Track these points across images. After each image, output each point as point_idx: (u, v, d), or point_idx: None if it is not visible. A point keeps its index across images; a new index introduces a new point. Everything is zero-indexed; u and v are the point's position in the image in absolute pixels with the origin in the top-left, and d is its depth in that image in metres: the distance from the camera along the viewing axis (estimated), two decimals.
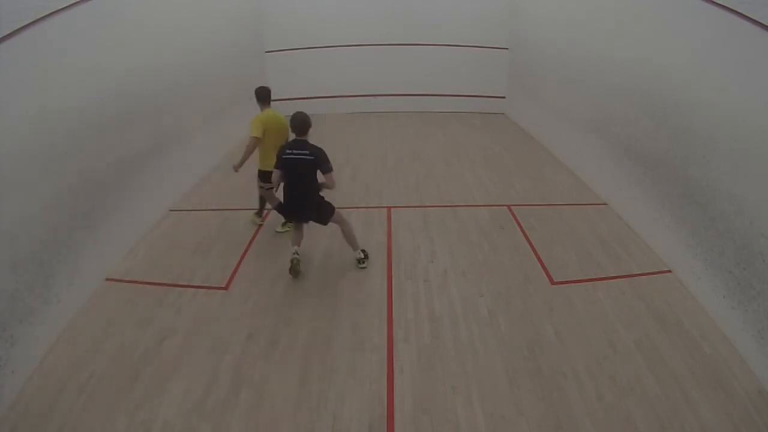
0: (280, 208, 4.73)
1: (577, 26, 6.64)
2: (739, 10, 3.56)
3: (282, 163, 4.26)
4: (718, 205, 3.81)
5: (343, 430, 2.95)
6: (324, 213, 4.47)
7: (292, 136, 4.36)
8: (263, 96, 5.13)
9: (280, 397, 3.17)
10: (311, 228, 5.38)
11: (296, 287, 4.34)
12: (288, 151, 4.23)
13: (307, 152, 4.19)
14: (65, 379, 3.32)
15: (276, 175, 4.35)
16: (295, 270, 4.37)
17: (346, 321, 3.89)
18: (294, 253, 4.41)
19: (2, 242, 3.24)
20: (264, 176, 5.03)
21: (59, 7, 3.87)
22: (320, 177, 4.32)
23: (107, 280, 4.44)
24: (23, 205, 3.45)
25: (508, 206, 5.83)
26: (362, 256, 4.63)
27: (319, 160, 4.19)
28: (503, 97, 10.18)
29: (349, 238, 4.62)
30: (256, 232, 5.34)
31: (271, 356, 3.54)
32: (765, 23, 3.34)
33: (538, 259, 4.71)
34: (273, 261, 4.75)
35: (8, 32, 3.36)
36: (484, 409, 3.06)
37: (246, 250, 4.95)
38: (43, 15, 3.69)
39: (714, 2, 3.82)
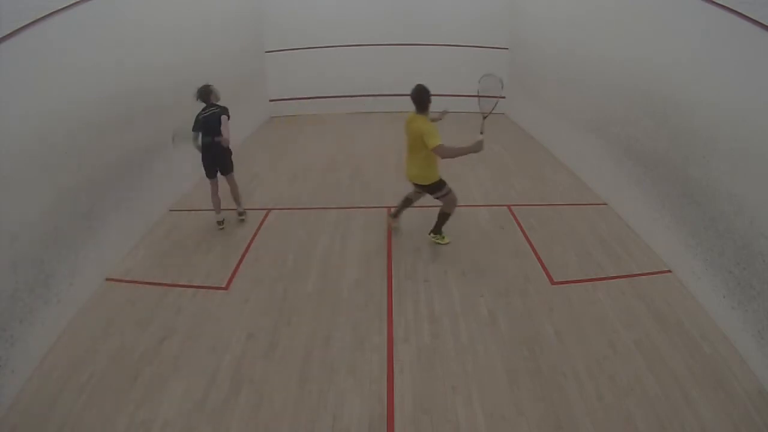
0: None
1: (577, 26, 6.64)
2: (739, 10, 3.56)
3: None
4: (718, 205, 3.81)
5: (343, 430, 2.95)
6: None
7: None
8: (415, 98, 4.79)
9: (280, 397, 3.18)
10: (312, 227, 5.39)
11: (296, 287, 4.34)
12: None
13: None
14: (65, 379, 3.32)
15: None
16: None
17: (346, 321, 3.89)
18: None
19: (2, 242, 3.24)
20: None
21: (59, 7, 3.88)
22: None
23: (107, 280, 4.45)
24: (23, 205, 3.45)
25: (508, 206, 5.83)
26: (243, 210, 5.60)
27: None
28: (503, 97, 10.16)
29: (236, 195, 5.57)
30: (256, 232, 5.34)
31: (271, 356, 3.54)
32: (765, 23, 3.34)
33: (538, 259, 4.71)
34: (273, 261, 4.76)
35: (8, 32, 3.36)
36: (484, 409, 3.06)
37: (246, 250, 4.96)
38: (43, 15, 3.70)
39: (714, 2, 3.82)
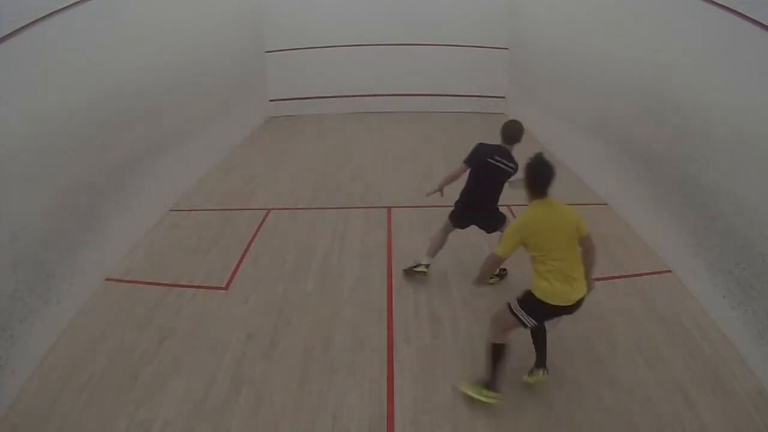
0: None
1: (577, 26, 6.63)
2: (739, 10, 3.56)
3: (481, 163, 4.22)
4: (718, 205, 3.81)
5: (343, 430, 2.95)
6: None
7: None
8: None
9: (280, 397, 3.18)
10: (312, 227, 5.38)
11: (296, 287, 4.34)
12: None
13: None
14: (65, 379, 3.32)
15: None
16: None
17: (346, 321, 3.89)
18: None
19: (2, 242, 3.24)
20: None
21: (59, 7, 3.88)
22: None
23: (107, 280, 4.44)
24: (23, 205, 3.45)
25: (508, 206, 5.82)
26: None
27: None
28: (503, 97, 10.18)
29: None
30: (256, 232, 5.33)
31: (271, 356, 3.54)
32: (765, 23, 3.34)
33: None
34: (273, 261, 4.76)
35: (8, 32, 3.36)
36: (484, 409, 3.06)
37: (246, 250, 4.95)
38: (43, 15, 3.70)
39: (714, 2, 3.82)
